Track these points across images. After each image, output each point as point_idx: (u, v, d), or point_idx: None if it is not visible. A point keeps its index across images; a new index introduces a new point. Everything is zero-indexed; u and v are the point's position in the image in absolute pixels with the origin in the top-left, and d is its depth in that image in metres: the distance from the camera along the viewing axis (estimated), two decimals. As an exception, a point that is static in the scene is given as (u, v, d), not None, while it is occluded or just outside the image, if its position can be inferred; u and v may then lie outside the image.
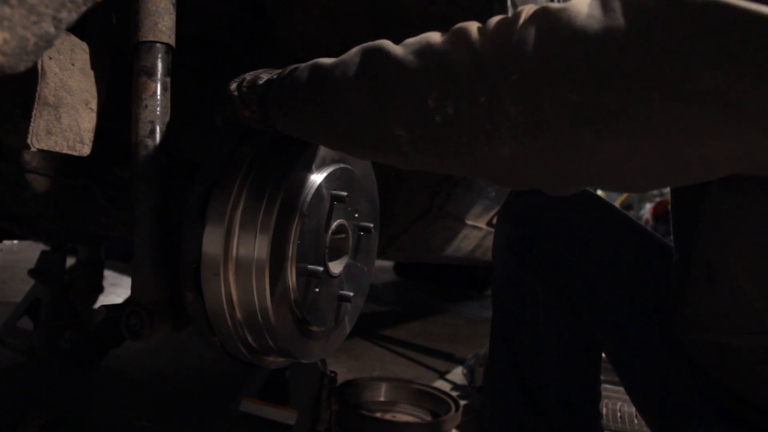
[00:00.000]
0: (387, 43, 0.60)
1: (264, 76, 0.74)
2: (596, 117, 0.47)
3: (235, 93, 0.75)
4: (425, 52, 0.55)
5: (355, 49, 0.63)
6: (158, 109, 0.79)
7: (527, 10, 0.51)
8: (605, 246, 0.94)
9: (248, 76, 0.75)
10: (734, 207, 0.69)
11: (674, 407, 0.86)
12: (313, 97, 0.65)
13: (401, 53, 0.57)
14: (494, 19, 0.53)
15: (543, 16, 0.49)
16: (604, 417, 1.69)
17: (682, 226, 0.82)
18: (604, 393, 1.72)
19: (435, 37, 0.56)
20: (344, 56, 0.63)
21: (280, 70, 0.72)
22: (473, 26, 0.54)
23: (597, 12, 0.46)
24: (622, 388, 1.68)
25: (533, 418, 1.01)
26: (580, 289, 0.95)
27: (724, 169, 0.50)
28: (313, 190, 0.80)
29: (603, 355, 1.02)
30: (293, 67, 0.70)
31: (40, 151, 0.73)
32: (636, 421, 1.68)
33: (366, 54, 0.61)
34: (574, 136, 0.48)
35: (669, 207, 0.89)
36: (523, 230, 0.99)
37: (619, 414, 1.70)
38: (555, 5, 0.49)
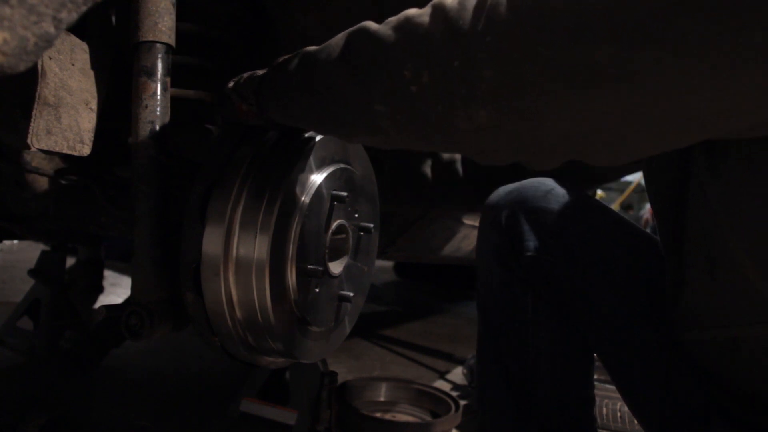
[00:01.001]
0: (369, 23, 0.61)
1: (260, 72, 0.74)
2: (579, 75, 0.45)
3: (233, 89, 0.76)
4: (403, 26, 0.56)
5: (340, 34, 0.64)
6: (158, 109, 0.79)
7: None
8: (599, 248, 0.91)
9: (246, 73, 0.76)
10: (723, 194, 0.67)
11: (674, 409, 0.86)
12: (301, 83, 0.66)
13: (381, 30, 0.58)
14: None
15: None
16: (604, 417, 1.69)
17: (669, 225, 0.80)
18: (604, 393, 1.72)
19: (413, 11, 0.57)
20: (330, 41, 0.64)
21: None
22: None
23: None
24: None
25: (527, 425, 1.00)
26: (575, 293, 0.92)
27: (711, 128, 0.49)
28: (313, 191, 0.80)
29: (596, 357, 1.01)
30: (285, 57, 0.71)
31: (40, 151, 0.73)
32: (636, 421, 1.68)
33: (350, 35, 0.62)
34: (556, 96, 0.47)
35: None
36: (509, 236, 0.95)
37: (619, 414, 1.70)
38: None
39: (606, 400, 1.72)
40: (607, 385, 1.70)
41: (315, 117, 0.67)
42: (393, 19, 0.58)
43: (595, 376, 1.06)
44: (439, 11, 0.53)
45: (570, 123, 0.49)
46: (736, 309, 0.71)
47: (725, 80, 0.43)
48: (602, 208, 0.96)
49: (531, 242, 0.93)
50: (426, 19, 0.54)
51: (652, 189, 0.83)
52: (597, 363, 1.03)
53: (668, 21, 0.42)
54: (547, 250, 0.93)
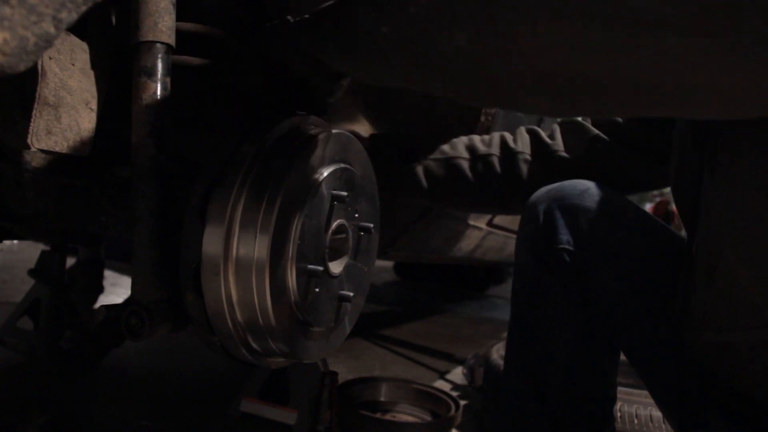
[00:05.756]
0: None
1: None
2: (563, 6, 0.42)
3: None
4: None
5: None
6: (158, 109, 0.79)
7: None
8: (628, 246, 0.94)
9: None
10: (726, 199, 0.69)
11: (689, 408, 0.87)
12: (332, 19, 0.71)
13: None
14: None
15: None
16: (604, 417, 1.70)
17: (686, 227, 0.83)
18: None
19: None
20: None
21: None
22: None
23: None
24: (622, 388, 1.69)
25: (544, 419, 1.01)
26: (601, 288, 0.96)
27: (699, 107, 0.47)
28: (313, 190, 0.80)
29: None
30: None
31: (40, 151, 0.73)
32: (636, 421, 1.68)
33: None
34: (533, 23, 0.45)
35: (669, 207, 0.90)
36: (544, 230, 1.00)
37: (619, 414, 1.70)
38: None
39: (606, 400, 1.73)
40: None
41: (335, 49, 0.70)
42: None
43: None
44: None
45: (545, 57, 0.46)
46: (729, 314, 0.73)
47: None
48: (636, 209, 0.99)
49: (564, 236, 0.97)
50: None
51: (675, 195, 0.86)
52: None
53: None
54: (578, 244, 0.96)
